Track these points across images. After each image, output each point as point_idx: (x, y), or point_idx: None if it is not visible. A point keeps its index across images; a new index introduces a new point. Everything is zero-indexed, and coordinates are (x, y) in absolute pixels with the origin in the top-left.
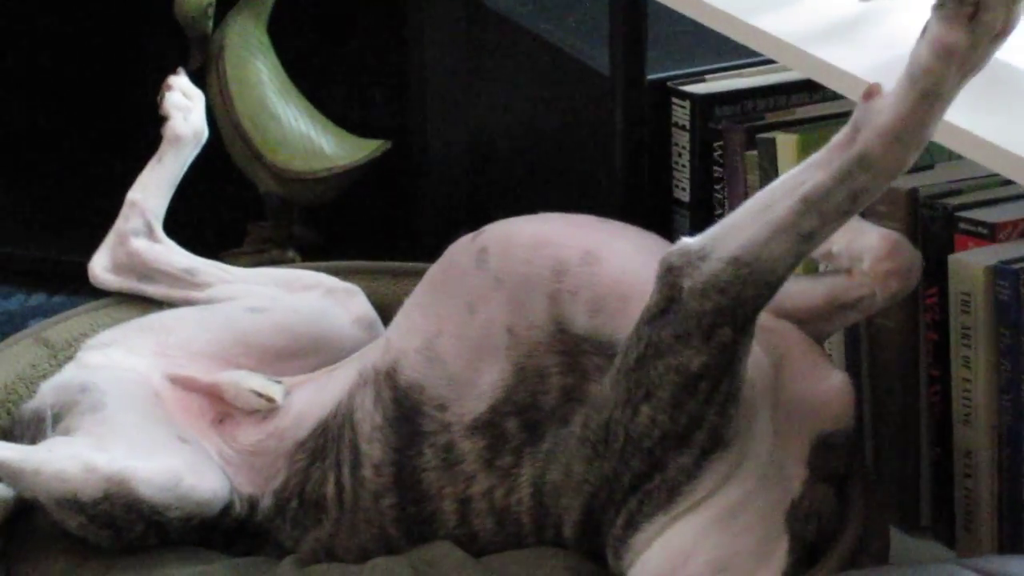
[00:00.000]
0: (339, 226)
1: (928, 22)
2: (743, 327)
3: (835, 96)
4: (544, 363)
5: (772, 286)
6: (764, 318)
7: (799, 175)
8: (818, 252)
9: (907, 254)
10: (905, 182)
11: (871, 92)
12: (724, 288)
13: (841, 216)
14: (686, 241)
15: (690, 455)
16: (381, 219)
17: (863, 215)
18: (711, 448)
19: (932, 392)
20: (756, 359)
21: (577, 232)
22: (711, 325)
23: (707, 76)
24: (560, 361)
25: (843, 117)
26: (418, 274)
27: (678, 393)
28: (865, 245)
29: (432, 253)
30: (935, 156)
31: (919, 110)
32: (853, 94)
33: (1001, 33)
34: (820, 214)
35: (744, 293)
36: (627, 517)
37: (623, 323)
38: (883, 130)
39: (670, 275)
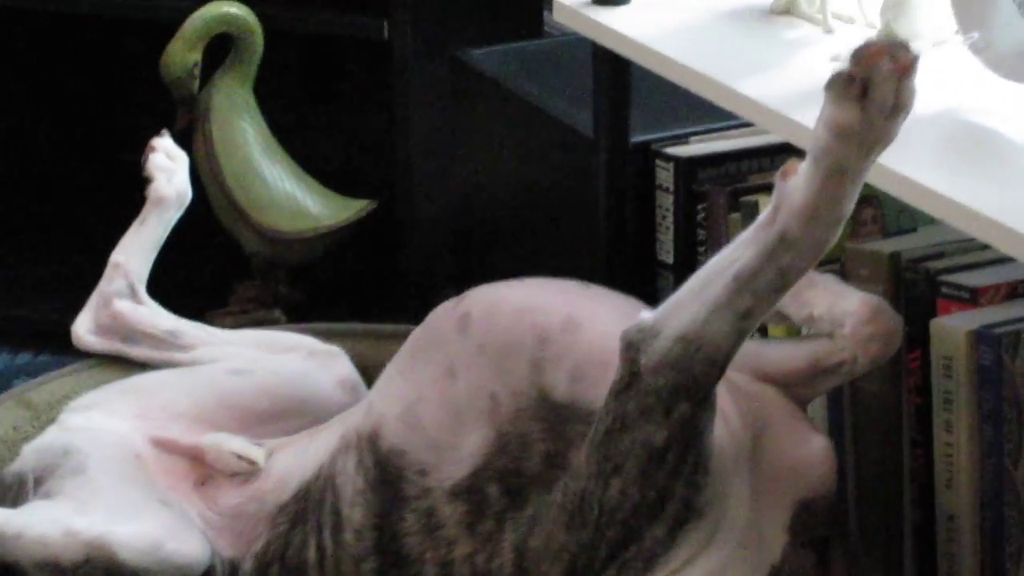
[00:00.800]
0: (325, 285)
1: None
2: (700, 401)
3: None
4: (527, 430)
5: (720, 363)
6: (745, 382)
7: (732, 252)
8: (799, 316)
9: (888, 318)
10: (887, 245)
11: (787, 171)
12: (675, 365)
13: (774, 294)
14: (644, 317)
15: (663, 526)
16: (367, 278)
17: (844, 278)
18: (684, 518)
19: (915, 456)
20: (730, 425)
21: (559, 298)
22: (669, 400)
23: (690, 138)
24: (543, 428)
25: None
26: (402, 336)
27: (645, 467)
28: (846, 309)
29: (417, 313)
30: (918, 219)
31: (828, 188)
32: None
33: (896, 109)
34: (752, 293)
35: (694, 370)
36: None
37: (603, 391)
38: (797, 210)
39: (629, 351)
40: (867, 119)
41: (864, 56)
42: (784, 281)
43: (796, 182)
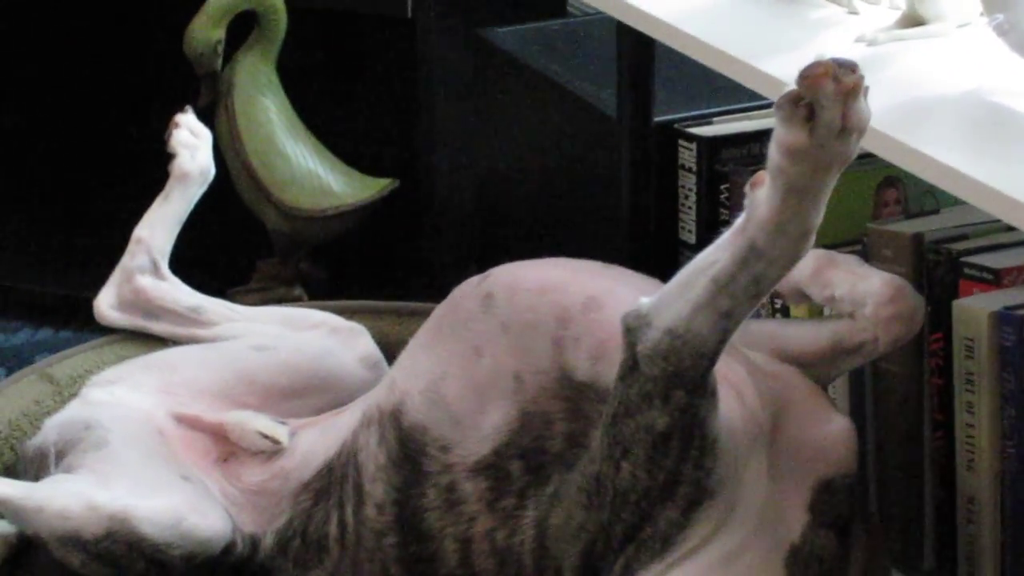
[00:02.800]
0: (346, 264)
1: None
2: (695, 390)
3: None
4: (549, 409)
5: (708, 356)
6: (765, 362)
7: (712, 253)
8: (821, 296)
9: (910, 299)
10: (910, 226)
11: (755, 182)
12: (666, 356)
13: (752, 299)
14: (641, 303)
15: (676, 508)
16: (388, 257)
17: (867, 259)
18: (697, 500)
19: (936, 437)
20: (747, 405)
21: (580, 278)
22: (665, 388)
23: (714, 119)
24: (565, 407)
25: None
26: (423, 314)
27: (651, 452)
28: (868, 290)
29: (439, 291)
30: (941, 200)
31: (788, 206)
32: (863, 141)
33: (847, 129)
34: (730, 296)
35: (683, 363)
36: (624, 564)
37: None
38: (763, 224)
39: (628, 336)
40: (816, 141)
41: (808, 78)
42: (759, 287)
43: (761, 194)
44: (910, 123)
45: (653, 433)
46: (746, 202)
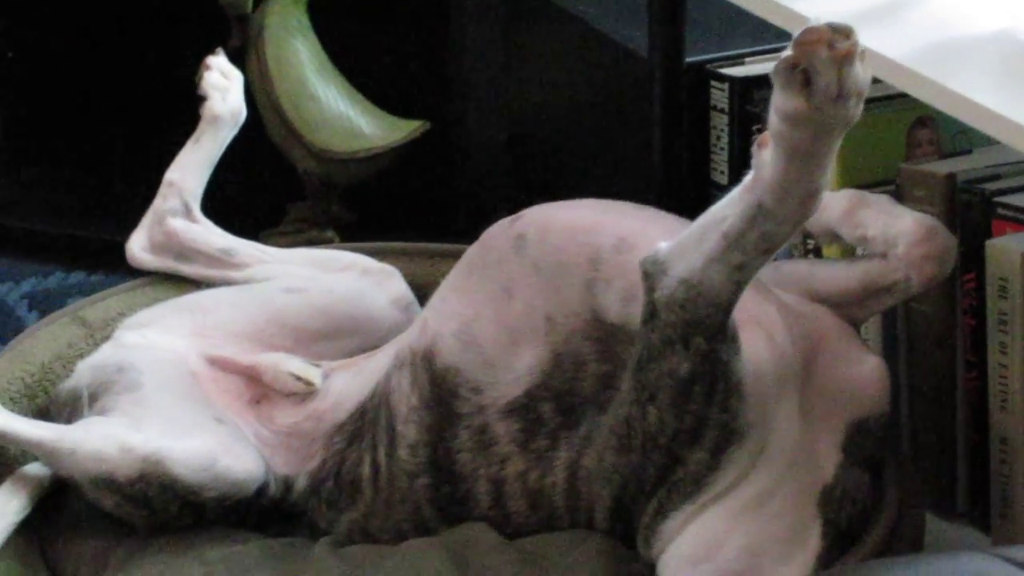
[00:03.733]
0: (377, 206)
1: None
2: (714, 336)
3: (875, 80)
4: (581, 350)
5: (723, 306)
6: (797, 302)
7: (724, 208)
8: (853, 236)
9: (942, 239)
10: (943, 166)
11: (761, 142)
12: (683, 305)
13: (763, 253)
14: (659, 248)
15: (705, 451)
16: (419, 199)
17: (900, 200)
18: (726, 442)
19: (969, 378)
20: (777, 346)
21: (612, 219)
22: (684, 335)
23: (745, 59)
24: (596, 349)
25: (881, 101)
26: (455, 255)
27: (676, 397)
28: (900, 230)
29: (469, 233)
30: (974, 140)
31: (792, 169)
32: (891, 78)
33: (844, 94)
34: (741, 251)
35: (699, 312)
36: (656, 506)
37: None
38: (770, 185)
39: (647, 281)
40: (814, 106)
41: (803, 44)
42: (769, 243)
43: (766, 156)
44: (943, 62)
45: (676, 378)
46: (753, 162)
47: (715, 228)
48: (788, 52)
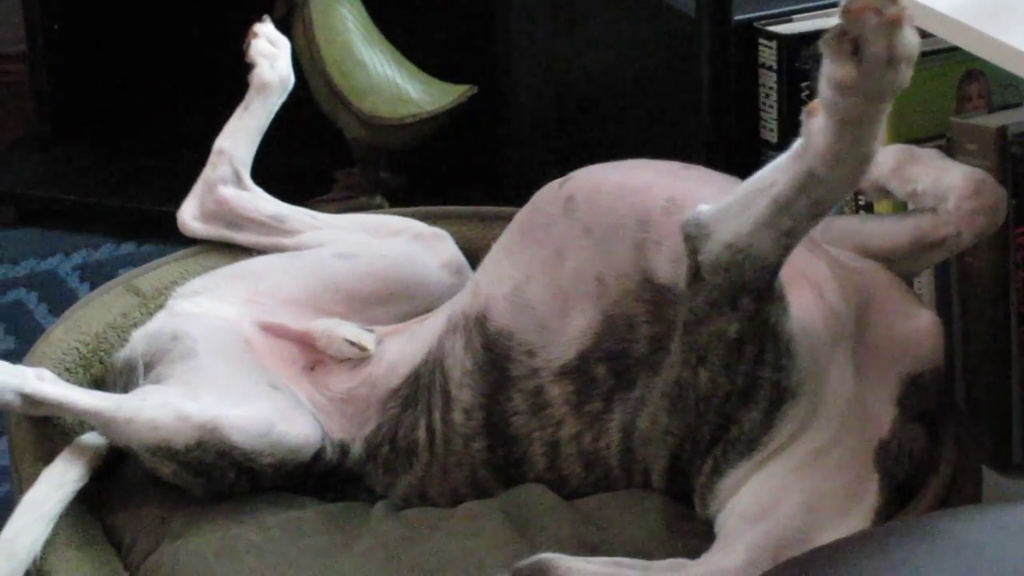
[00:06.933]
0: (426, 171)
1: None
2: (761, 296)
3: (925, 34)
4: (632, 312)
5: (770, 268)
6: (848, 258)
7: (772, 174)
8: (903, 192)
9: (992, 192)
10: (993, 120)
11: (811, 110)
12: (727, 268)
13: (813, 218)
14: (700, 211)
15: (759, 409)
16: (467, 164)
17: (950, 153)
18: (779, 400)
19: (1023, 331)
20: (829, 303)
21: (661, 180)
22: (731, 296)
23: (794, 16)
24: (648, 310)
25: (934, 55)
26: (506, 218)
27: (726, 357)
28: (950, 183)
29: (518, 197)
30: None
31: (844, 137)
32: (941, 32)
33: (894, 59)
34: (791, 216)
35: (745, 274)
36: (712, 465)
37: None
38: (821, 153)
39: (689, 244)
40: (865, 73)
41: (851, 11)
42: (819, 209)
43: (817, 125)
44: (993, 14)
45: (725, 339)
46: (803, 130)
47: (763, 193)
48: (837, 21)
